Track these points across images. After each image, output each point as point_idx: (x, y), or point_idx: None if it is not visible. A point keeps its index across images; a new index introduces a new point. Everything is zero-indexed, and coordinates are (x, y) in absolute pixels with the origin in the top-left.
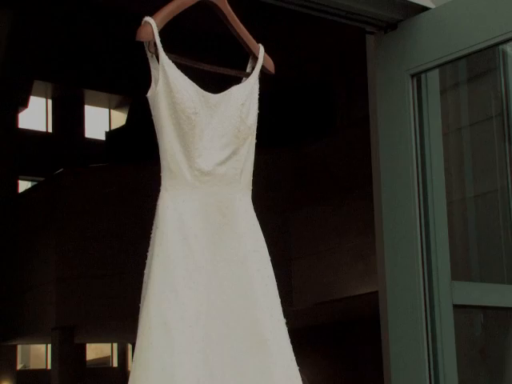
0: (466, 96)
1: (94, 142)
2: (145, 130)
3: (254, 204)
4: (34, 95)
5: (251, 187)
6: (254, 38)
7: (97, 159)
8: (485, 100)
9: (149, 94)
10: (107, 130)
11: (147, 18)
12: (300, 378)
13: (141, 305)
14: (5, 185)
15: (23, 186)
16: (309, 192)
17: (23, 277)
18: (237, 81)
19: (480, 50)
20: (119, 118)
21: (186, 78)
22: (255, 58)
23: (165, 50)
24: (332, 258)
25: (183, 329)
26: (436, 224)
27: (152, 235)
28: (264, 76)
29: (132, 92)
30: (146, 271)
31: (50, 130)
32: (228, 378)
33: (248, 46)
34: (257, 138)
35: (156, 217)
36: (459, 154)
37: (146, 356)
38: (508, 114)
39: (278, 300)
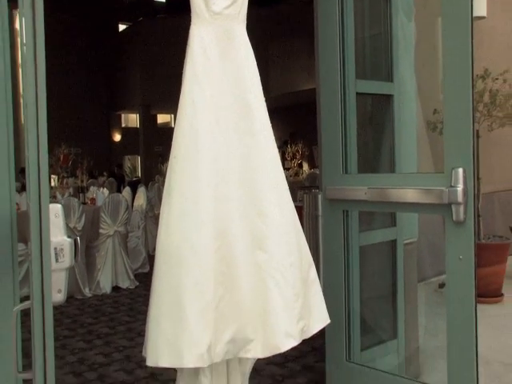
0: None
1: (159, 3)
2: None
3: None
4: None
5: (245, 22)
6: None
7: (162, 12)
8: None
9: None
10: None
11: None
12: (281, 166)
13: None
14: (111, 27)
15: (121, 27)
16: (281, 34)
17: (124, 80)
18: None
19: None
20: None
21: None
22: None
23: None
24: (293, 71)
25: (206, 133)
26: (348, 59)
27: (186, 51)
28: None
29: None
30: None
31: None
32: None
33: None
34: None
35: (188, 40)
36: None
37: (174, 174)
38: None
39: (267, 116)
